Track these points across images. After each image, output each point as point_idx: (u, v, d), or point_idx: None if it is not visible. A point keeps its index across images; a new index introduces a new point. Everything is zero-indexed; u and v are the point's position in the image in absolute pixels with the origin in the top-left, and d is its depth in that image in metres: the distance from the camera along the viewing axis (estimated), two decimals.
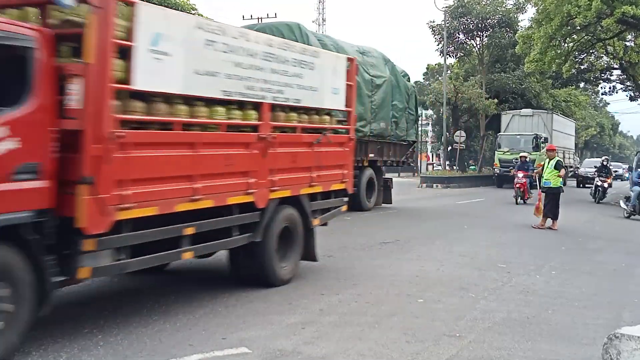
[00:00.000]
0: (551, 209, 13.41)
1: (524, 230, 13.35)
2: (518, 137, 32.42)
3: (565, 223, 14.07)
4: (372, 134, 15.52)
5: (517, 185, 20.49)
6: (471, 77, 45.57)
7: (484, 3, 41.09)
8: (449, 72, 44.67)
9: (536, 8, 25.72)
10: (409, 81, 18.80)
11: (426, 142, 54.83)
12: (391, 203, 17.38)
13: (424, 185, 32.48)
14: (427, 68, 56.94)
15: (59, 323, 5.18)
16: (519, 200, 20.46)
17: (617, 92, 39.62)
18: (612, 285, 7.91)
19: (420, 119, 51.42)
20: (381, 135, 16.15)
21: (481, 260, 9.11)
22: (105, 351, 4.57)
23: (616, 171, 50.14)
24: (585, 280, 8.02)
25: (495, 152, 32.89)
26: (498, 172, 31.51)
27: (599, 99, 70.90)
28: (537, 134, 31.93)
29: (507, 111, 38.57)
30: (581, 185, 33.53)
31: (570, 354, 5.00)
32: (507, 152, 31.48)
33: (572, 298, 6.93)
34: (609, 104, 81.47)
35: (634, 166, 22.45)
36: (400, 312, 6.00)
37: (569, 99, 51.46)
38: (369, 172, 15.70)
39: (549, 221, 13.45)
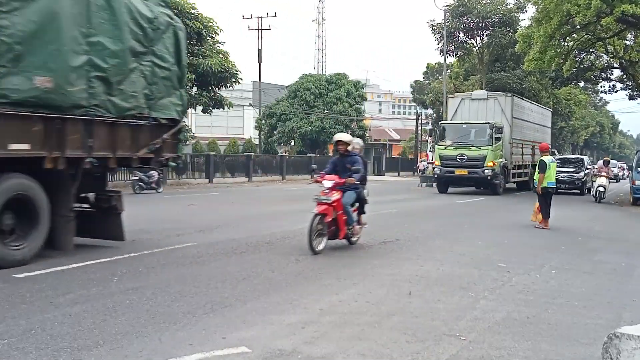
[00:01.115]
0: (542, 208, 13.68)
1: (523, 229, 13.38)
2: (465, 126, 24.93)
3: (565, 222, 14.08)
4: (8, 100, 7.06)
5: (318, 209, 9.03)
6: (471, 76, 45.68)
7: (484, 2, 41.18)
8: (448, 71, 44.67)
9: (536, 7, 25.73)
10: (164, 6, 9.72)
11: (426, 141, 54.90)
12: (122, 239, 9.14)
13: (424, 184, 32.53)
14: (427, 67, 57.08)
15: (58, 322, 5.20)
16: (317, 246, 8.93)
17: (616, 91, 39.63)
18: (612, 285, 7.90)
19: (420, 118, 51.63)
20: (47, 103, 7.50)
21: (481, 260, 9.12)
22: (104, 350, 4.57)
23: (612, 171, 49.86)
24: (585, 280, 8.02)
25: (436, 145, 25.28)
26: (438, 172, 24.70)
27: (598, 98, 71.03)
28: (489, 123, 24.38)
29: (456, 94, 31.38)
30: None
31: (570, 353, 5.00)
32: (451, 146, 24.52)
33: (572, 298, 6.93)
34: (608, 102, 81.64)
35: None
36: (400, 312, 6.00)
37: (569, 98, 51.59)
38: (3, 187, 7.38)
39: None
